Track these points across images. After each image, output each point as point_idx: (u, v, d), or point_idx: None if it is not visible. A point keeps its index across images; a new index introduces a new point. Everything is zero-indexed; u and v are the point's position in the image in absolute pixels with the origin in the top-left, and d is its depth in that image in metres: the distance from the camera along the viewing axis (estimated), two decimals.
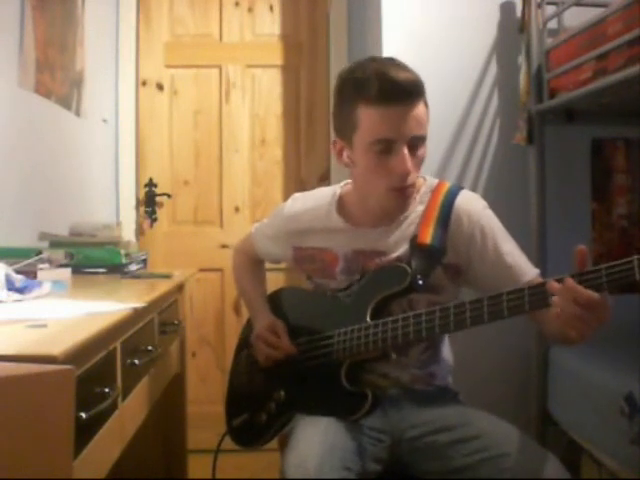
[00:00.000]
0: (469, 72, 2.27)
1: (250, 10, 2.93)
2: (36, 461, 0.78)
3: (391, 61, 1.26)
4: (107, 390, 1.03)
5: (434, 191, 1.36)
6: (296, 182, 2.90)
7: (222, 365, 2.68)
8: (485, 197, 1.39)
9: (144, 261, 2.00)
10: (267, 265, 1.67)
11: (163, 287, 1.57)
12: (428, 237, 1.30)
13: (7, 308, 1.14)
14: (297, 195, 1.52)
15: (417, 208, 1.35)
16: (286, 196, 2.66)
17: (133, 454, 1.41)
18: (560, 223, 2.18)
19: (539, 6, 2.11)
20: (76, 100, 2.29)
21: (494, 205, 1.38)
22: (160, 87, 2.89)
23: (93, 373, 0.99)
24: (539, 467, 1.15)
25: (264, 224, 1.59)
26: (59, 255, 1.68)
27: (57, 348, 0.81)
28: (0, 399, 0.74)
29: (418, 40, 2.22)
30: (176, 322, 1.74)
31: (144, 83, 2.88)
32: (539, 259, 1.98)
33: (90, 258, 1.77)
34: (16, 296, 1.21)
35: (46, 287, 1.29)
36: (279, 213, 1.52)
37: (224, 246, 2.79)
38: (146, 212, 2.87)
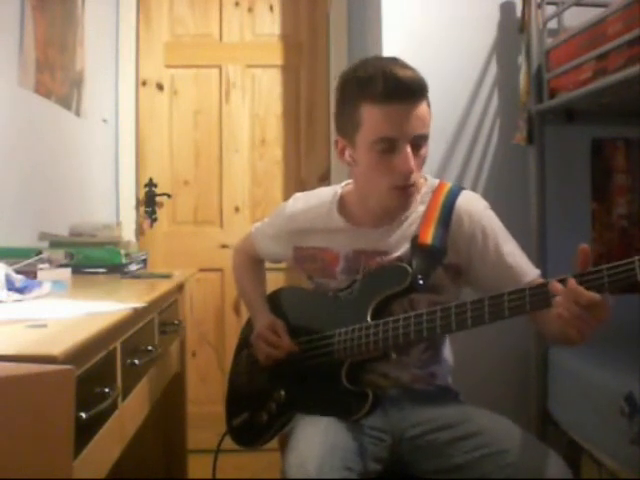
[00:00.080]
0: (469, 72, 2.27)
1: (250, 10, 2.93)
2: (36, 461, 0.78)
3: (394, 60, 1.26)
4: (107, 390, 1.03)
5: (435, 191, 1.36)
6: (296, 182, 2.90)
7: (222, 365, 2.68)
8: (485, 197, 1.40)
9: (144, 261, 2.00)
10: (267, 265, 1.67)
11: (163, 287, 1.57)
12: (429, 237, 1.30)
13: (7, 308, 1.14)
14: (298, 195, 1.52)
15: (418, 208, 1.35)
16: (286, 196, 2.67)
17: (133, 454, 1.41)
18: (560, 223, 2.18)
19: (539, 6, 2.11)
20: (76, 100, 2.28)
21: (494, 205, 1.38)
22: (160, 87, 2.89)
23: (93, 373, 0.98)
24: (541, 463, 1.15)
25: (265, 224, 1.59)
26: (59, 255, 1.68)
27: (57, 348, 0.81)
28: (0, 399, 0.74)
29: (418, 40, 2.22)
30: (176, 322, 1.74)
31: (144, 83, 2.88)
32: (539, 259, 1.98)
33: (90, 258, 1.77)
34: (16, 296, 1.21)
35: (46, 287, 1.29)
36: (280, 213, 1.52)
37: (224, 246, 2.79)
38: (146, 212, 2.87)
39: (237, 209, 2.91)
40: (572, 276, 1.03)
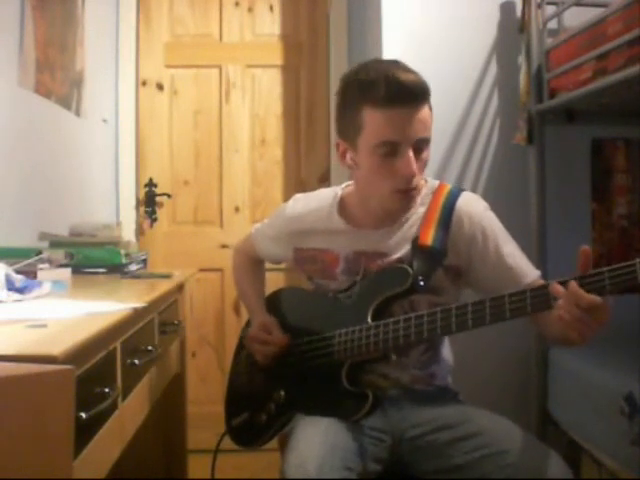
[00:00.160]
0: (469, 72, 2.26)
1: (250, 10, 2.93)
2: (36, 461, 0.78)
3: (396, 63, 1.26)
4: (107, 390, 1.03)
5: (435, 193, 1.36)
6: (296, 182, 2.90)
7: (222, 365, 2.68)
8: (485, 197, 1.39)
9: (144, 261, 2.00)
10: (267, 265, 1.67)
11: (163, 287, 1.57)
12: (429, 239, 1.30)
13: (7, 308, 1.14)
14: (298, 196, 1.52)
15: (418, 210, 1.35)
16: (286, 196, 2.67)
17: (133, 454, 1.41)
18: (560, 223, 2.18)
19: (539, 6, 2.11)
20: (76, 100, 2.28)
21: (494, 205, 1.38)
22: (160, 87, 2.89)
23: (93, 373, 0.98)
24: (541, 463, 1.15)
25: (265, 224, 1.59)
26: (59, 255, 1.68)
27: (57, 348, 0.81)
28: (0, 399, 0.74)
29: (418, 40, 2.22)
30: (176, 322, 1.74)
31: (144, 83, 2.88)
32: (539, 259, 1.98)
33: (90, 258, 1.77)
34: (16, 296, 1.21)
35: (46, 287, 1.28)
36: (280, 214, 1.52)
37: (224, 246, 2.79)
38: (146, 212, 2.87)
39: (237, 209, 2.91)
40: (573, 278, 1.03)
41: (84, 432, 0.92)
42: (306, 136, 2.93)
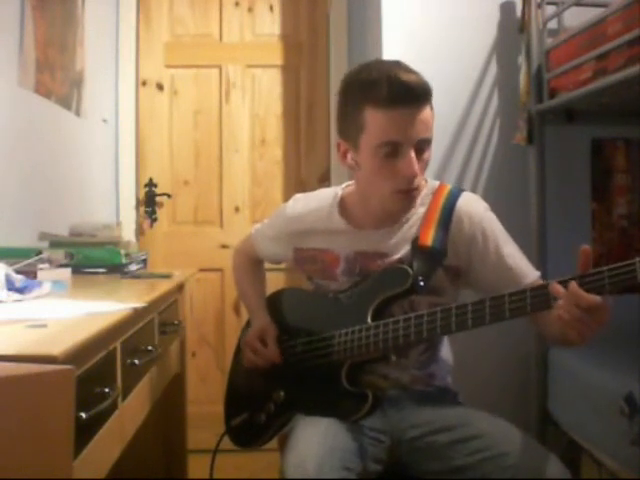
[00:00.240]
0: (469, 72, 2.26)
1: (250, 10, 2.93)
2: (36, 461, 0.78)
3: (398, 64, 1.25)
4: (107, 390, 1.03)
5: (435, 193, 1.36)
6: (296, 182, 2.90)
7: (222, 365, 2.68)
8: (485, 197, 1.39)
9: (144, 261, 2.00)
10: (267, 265, 1.67)
11: (163, 287, 1.57)
12: (429, 239, 1.30)
13: (7, 308, 1.14)
14: (298, 196, 1.52)
15: (418, 210, 1.35)
16: (286, 196, 2.67)
17: (133, 454, 1.41)
18: (560, 223, 2.18)
19: (539, 6, 2.11)
20: (76, 100, 2.29)
21: (494, 205, 1.38)
22: (160, 87, 2.89)
23: (93, 373, 0.99)
24: (540, 466, 1.15)
25: (265, 225, 1.59)
26: (59, 255, 1.68)
27: (57, 348, 0.81)
28: (0, 399, 0.74)
29: (418, 40, 2.22)
30: (176, 322, 1.74)
31: (144, 83, 2.88)
32: (539, 259, 1.98)
33: (90, 258, 1.77)
34: (16, 296, 1.21)
35: (46, 287, 1.29)
36: (280, 214, 1.52)
37: (224, 246, 2.79)
38: (146, 212, 2.87)
39: (237, 209, 2.91)
40: (573, 278, 1.03)
41: (84, 432, 0.92)
42: (306, 136, 2.93)
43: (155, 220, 2.88)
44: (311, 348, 1.36)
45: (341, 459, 1.15)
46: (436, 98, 1.28)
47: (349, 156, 1.32)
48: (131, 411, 1.24)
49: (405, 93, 1.20)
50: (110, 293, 1.48)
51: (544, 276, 1.33)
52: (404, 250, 1.33)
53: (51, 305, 1.19)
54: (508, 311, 1.11)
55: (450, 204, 1.33)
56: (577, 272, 1.04)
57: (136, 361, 1.24)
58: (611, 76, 1.66)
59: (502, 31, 2.27)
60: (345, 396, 1.28)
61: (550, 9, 2.13)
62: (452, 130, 2.25)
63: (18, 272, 1.30)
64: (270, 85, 2.93)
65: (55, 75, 2.08)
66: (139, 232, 2.87)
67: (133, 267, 1.86)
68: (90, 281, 1.63)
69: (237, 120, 2.91)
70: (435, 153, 1.37)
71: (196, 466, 2.00)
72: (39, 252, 1.53)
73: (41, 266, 1.45)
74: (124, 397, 1.18)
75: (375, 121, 1.23)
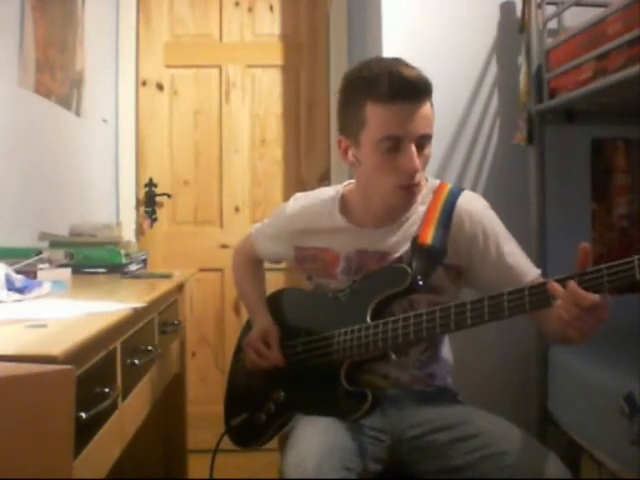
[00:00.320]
0: (469, 72, 2.27)
1: (250, 10, 2.93)
2: (36, 461, 0.78)
3: (398, 60, 1.26)
4: (107, 390, 1.03)
5: (436, 192, 1.36)
6: (296, 182, 2.90)
7: (222, 365, 2.68)
8: (485, 197, 1.40)
9: (144, 261, 2.00)
10: (267, 265, 1.67)
11: (163, 287, 1.57)
12: (429, 238, 1.30)
13: (7, 308, 1.14)
14: (299, 195, 1.52)
15: (419, 209, 1.35)
16: (286, 196, 2.67)
17: (133, 454, 1.41)
18: (560, 223, 2.18)
19: (539, 6, 2.11)
20: (76, 100, 2.28)
21: (494, 205, 1.38)
22: (160, 87, 2.89)
23: (93, 373, 0.98)
24: (540, 464, 1.15)
25: (265, 224, 1.59)
26: (59, 255, 1.68)
27: (57, 348, 0.81)
28: (0, 399, 0.74)
29: (418, 40, 2.22)
30: (176, 322, 1.74)
31: (144, 83, 2.88)
32: (539, 259, 1.98)
33: (90, 258, 1.77)
34: (16, 296, 1.21)
35: (46, 287, 1.28)
36: (281, 213, 1.52)
37: (224, 246, 2.79)
38: (146, 212, 2.87)
39: (237, 209, 2.91)
40: (571, 276, 1.03)
41: (84, 432, 0.92)
42: (306, 136, 2.93)
43: (155, 220, 2.88)
44: (311, 348, 1.36)
45: (341, 458, 1.15)
46: (436, 98, 1.28)
47: (350, 153, 1.32)
48: (131, 411, 1.24)
49: (406, 88, 1.20)
50: (110, 293, 1.48)
51: (544, 276, 1.32)
52: (404, 249, 1.33)
53: (51, 305, 1.19)
54: (507, 309, 1.11)
55: (450, 203, 1.33)
56: (576, 270, 1.04)
57: (136, 361, 1.24)
58: (611, 76, 1.66)
59: (502, 31, 2.27)
60: (345, 395, 1.28)
61: (550, 9, 2.13)
62: (452, 130, 2.26)
63: (18, 272, 1.30)
64: (270, 85, 2.93)
65: (55, 75, 2.08)
66: (139, 232, 2.87)
67: (133, 267, 1.86)
68: (90, 281, 1.63)
69: (237, 120, 2.91)
70: (435, 153, 1.37)
71: (196, 466, 2.00)
72: (39, 252, 1.53)
73: (41, 266, 1.45)
74: (124, 397, 1.18)
75: (376, 116, 1.23)
